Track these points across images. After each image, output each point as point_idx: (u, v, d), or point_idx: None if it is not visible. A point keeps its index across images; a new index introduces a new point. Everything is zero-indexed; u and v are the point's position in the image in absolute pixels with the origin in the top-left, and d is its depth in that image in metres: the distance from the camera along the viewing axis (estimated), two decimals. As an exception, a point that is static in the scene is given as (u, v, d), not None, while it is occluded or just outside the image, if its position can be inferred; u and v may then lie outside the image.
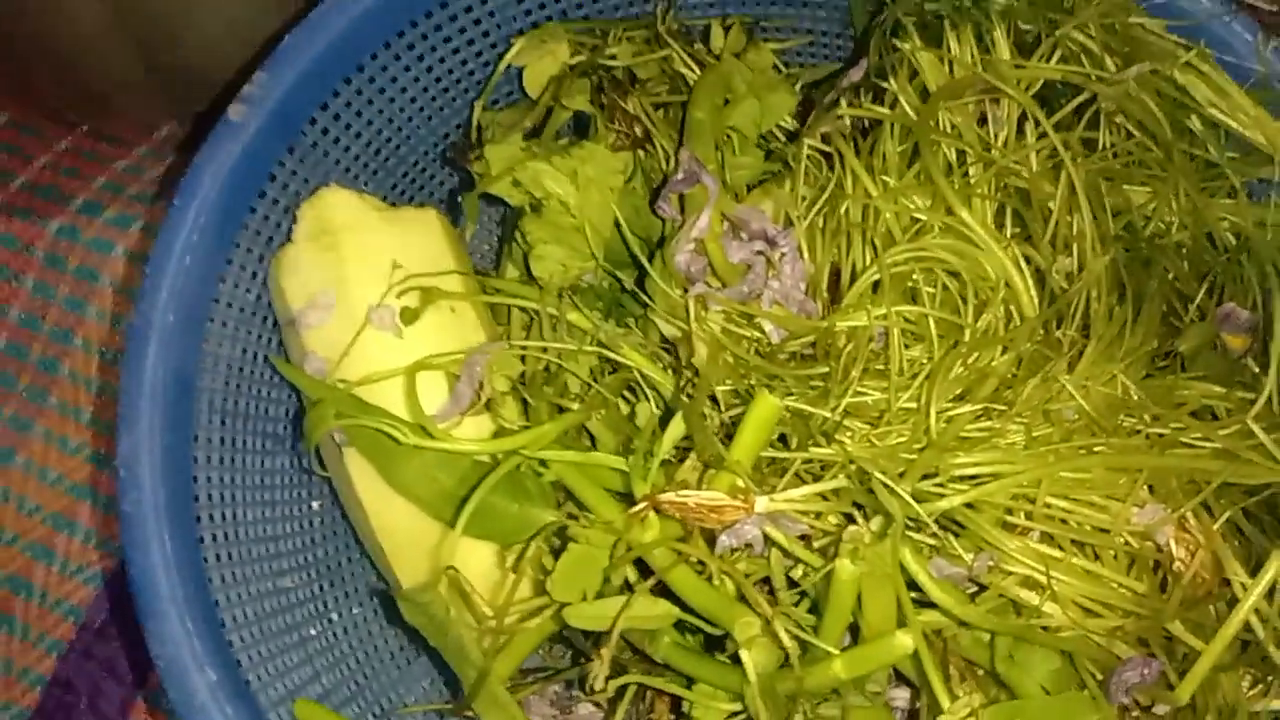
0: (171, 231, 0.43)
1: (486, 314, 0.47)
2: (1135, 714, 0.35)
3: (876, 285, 0.41)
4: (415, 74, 0.50)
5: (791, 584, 0.37)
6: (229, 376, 0.45)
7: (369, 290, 0.44)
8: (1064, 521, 0.36)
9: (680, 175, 0.45)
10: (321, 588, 0.48)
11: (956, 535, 0.37)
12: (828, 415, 0.37)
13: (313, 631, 0.46)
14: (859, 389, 0.38)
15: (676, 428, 0.37)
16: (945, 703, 0.32)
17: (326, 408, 0.42)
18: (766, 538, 0.36)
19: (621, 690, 0.41)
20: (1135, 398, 0.38)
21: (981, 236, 0.40)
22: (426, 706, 0.46)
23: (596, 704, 0.44)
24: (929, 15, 0.46)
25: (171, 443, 0.41)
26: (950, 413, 0.37)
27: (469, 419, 0.44)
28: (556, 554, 0.39)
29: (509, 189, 0.45)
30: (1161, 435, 0.37)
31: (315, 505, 0.50)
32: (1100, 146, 0.45)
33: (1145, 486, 0.37)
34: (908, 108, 0.44)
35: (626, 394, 0.44)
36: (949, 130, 0.44)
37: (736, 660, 0.35)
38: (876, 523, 0.34)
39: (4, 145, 0.63)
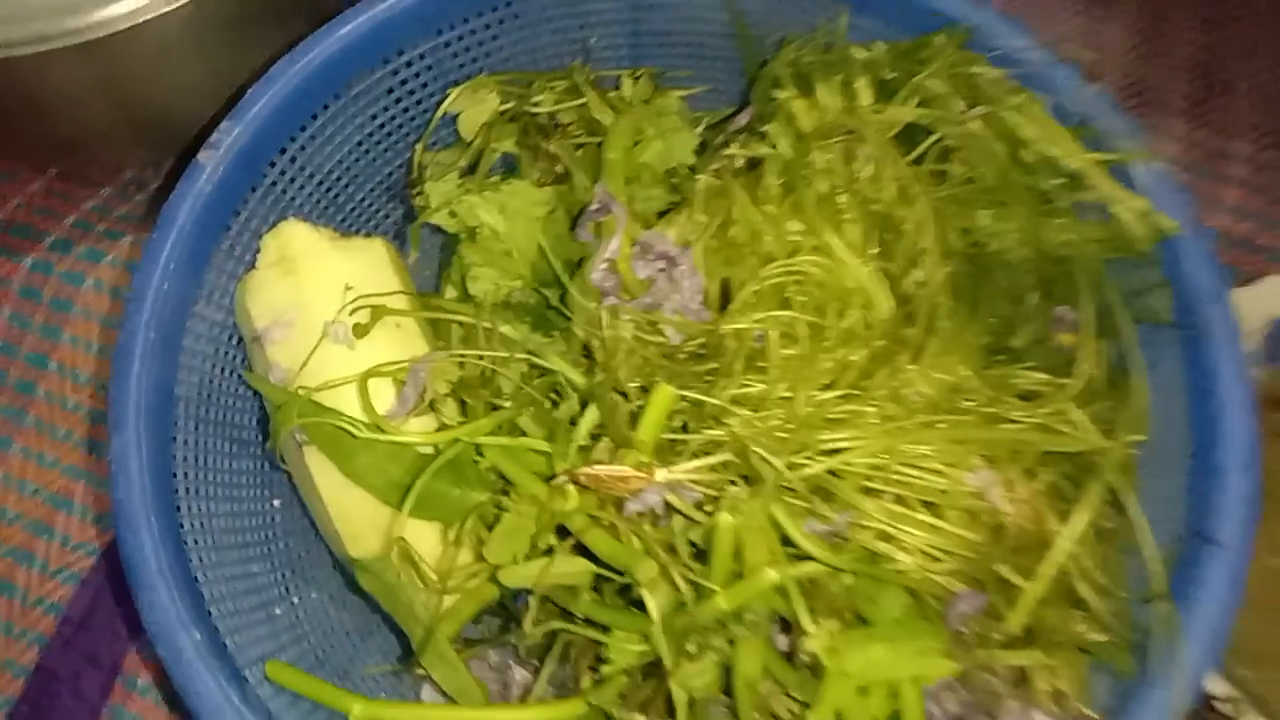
0: (150, 260, 0.49)
1: (428, 329, 0.53)
2: (974, 644, 0.42)
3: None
4: (362, 121, 0.56)
5: (693, 547, 0.44)
6: (201, 387, 0.51)
7: (325, 309, 0.50)
8: (912, 485, 0.44)
9: (595, 206, 0.52)
10: (284, 575, 0.54)
11: (826, 500, 0.44)
12: (718, 403, 0.44)
13: (278, 611, 0.52)
14: (743, 381, 0.45)
15: (592, 414, 0.44)
16: (810, 628, 0.39)
17: (290, 409, 0.48)
18: (668, 505, 0.43)
19: (549, 649, 0.48)
20: (971, 383, 0.45)
21: (844, 254, 0.47)
22: (383, 668, 0.52)
23: (528, 666, 0.50)
24: (804, 67, 0.54)
25: (155, 443, 0.46)
26: (817, 398, 0.44)
27: (415, 419, 0.50)
28: (491, 528, 0.46)
29: (447, 219, 0.52)
30: (994, 414, 0.45)
31: (276, 503, 0.55)
32: (950, 177, 0.53)
33: (979, 455, 0.44)
34: (785, 148, 0.51)
35: (553, 395, 0.51)
36: (821, 166, 0.51)
37: (643, 608, 0.42)
38: (756, 487, 0.41)
39: (-21, 189, 0.69)
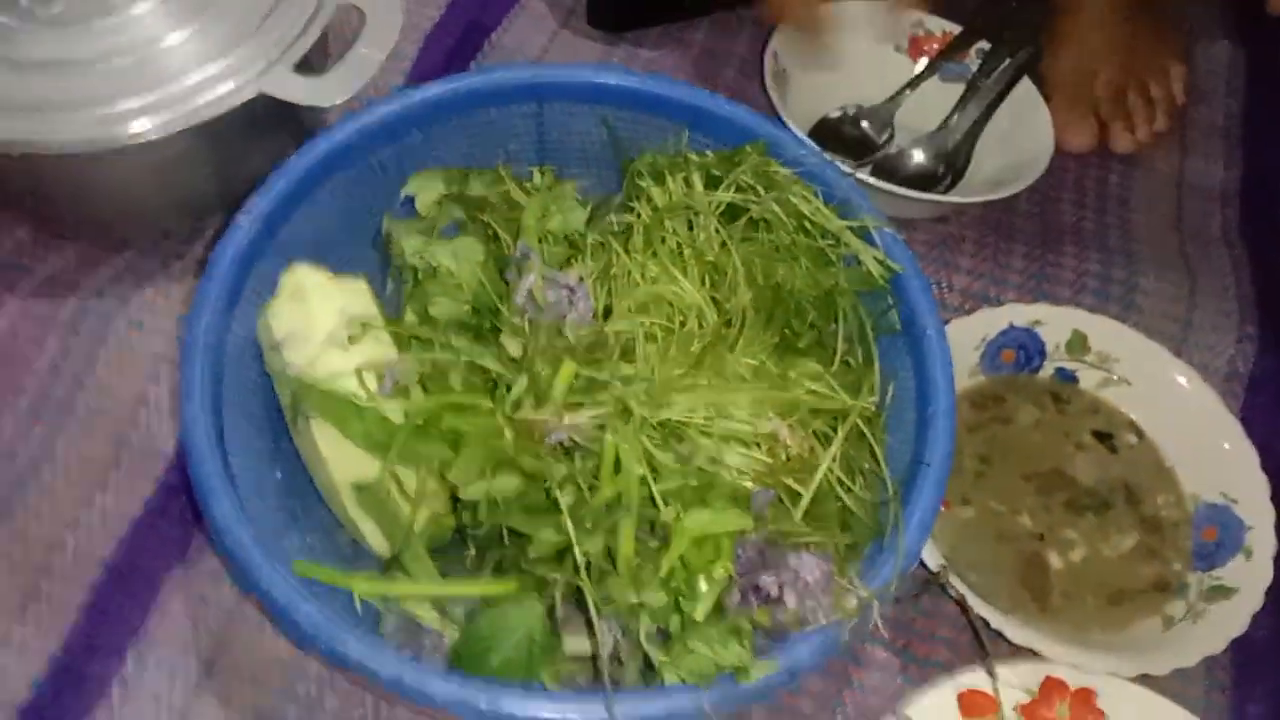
0: (205, 290, 0.68)
1: (397, 340, 0.74)
2: (770, 523, 0.65)
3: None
4: (345, 199, 0.75)
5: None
6: (232, 381, 0.70)
7: (327, 324, 0.68)
8: (731, 428, 0.67)
9: (518, 255, 0.74)
10: (288, 522, 0.72)
11: (677, 439, 0.67)
12: (603, 378, 0.67)
13: (284, 544, 0.71)
14: (620, 364, 0.68)
15: (521, 383, 0.66)
16: (663, 507, 0.61)
17: (306, 392, 0.68)
18: (573, 441, 0.65)
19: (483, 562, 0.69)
20: (767, 366, 0.69)
21: (685, 285, 0.71)
22: (370, 574, 0.71)
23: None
24: (658, 166, 0.79)
25: (211, 413, 0.65)
26: (669, 375, 0.67)
27: (390, 401, 0.71)
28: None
29: (417, 260, 0.74)
30: (782, 385, 0.69)
31: (279, 474, 0.75)
32: (758, 238, 0.78)
33: (773, 410, 0.68)
34: (646, 218, 0.75)
35: (490, 385, 0.73)
36: (670, 230, 0.76)
37: (558, 512, 0.64)
38: (630, 422, 0.64)
39: (28, 252, 0.87)
